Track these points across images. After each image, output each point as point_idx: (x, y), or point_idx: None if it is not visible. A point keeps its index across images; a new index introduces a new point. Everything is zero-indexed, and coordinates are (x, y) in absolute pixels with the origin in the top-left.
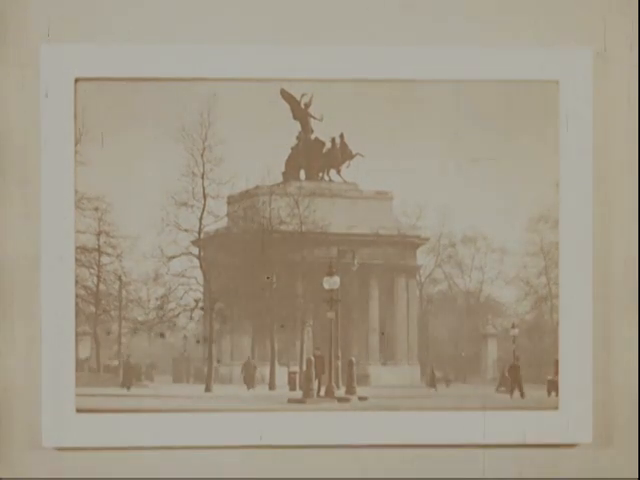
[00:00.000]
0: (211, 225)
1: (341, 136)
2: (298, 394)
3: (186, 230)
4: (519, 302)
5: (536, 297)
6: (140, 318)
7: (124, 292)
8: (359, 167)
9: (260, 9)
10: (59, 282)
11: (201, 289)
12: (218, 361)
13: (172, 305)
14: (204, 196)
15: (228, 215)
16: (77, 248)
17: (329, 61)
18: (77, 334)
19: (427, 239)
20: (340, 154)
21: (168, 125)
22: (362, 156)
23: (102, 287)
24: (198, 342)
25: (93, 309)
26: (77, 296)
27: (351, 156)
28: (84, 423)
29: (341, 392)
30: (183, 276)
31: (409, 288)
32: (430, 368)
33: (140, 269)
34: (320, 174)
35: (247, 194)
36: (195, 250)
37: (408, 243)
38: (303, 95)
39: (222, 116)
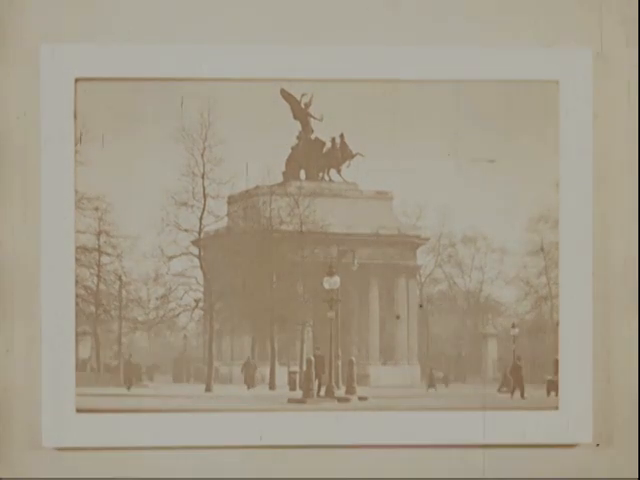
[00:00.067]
0: (211, 225)
1: (341, 136)
2: (298, 394)
3: (186, 230)
4: (519, 302)
5: (536, 297)
6: (140, 318)
7: (124, 292)
8: (359, 167)
9: (260, 9)
10: (59, 282)
11: (201, 289)
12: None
13: (172, 305)
14: (204, 196)
15: (228, 215)
16: (77, 248)
17: (329, 61)
18: (77, 334)
19: (427, 239)
20: (340, 154)
21: (168, 125)
22: (362, 156)
23: (102, 287)
24: (198, 342)
25: (93, 309)
26: (77, 296)
27: (351, 156)
28: (84, 423)
29: (341, 392)
30: (183, 276)
31: (409, 288)
32: (429, 368)
33: (140, 269)
34: (320, 174)
35: (247, 194)
36: (195, 250)
37: (408, 243)
38: (303, 95)
39: (222, 116)
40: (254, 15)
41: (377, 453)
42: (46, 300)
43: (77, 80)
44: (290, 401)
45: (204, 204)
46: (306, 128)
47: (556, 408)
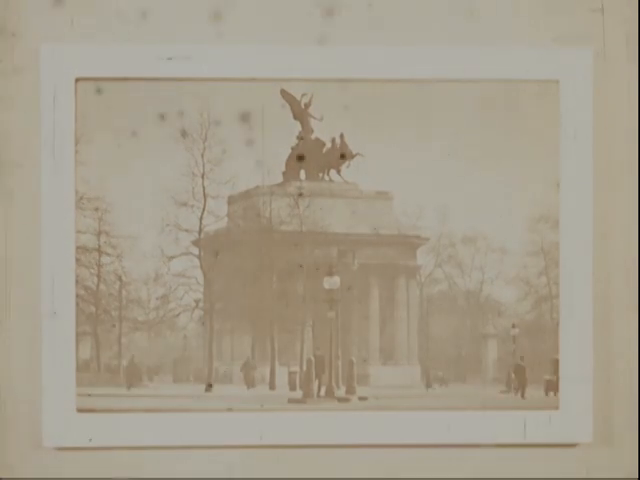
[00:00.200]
0: (211, 225)
1: (341, 136)
2: (298, 394)
3: (186, 230)
4: (519, 302)
5: (536, 297)
6: (140, 318)
7: (124, 292)
8: (359, 167)
9: (260, 9)
10: (59, 282)
11: (201, 289)
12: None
13: (172, 305)
14: (204, 196)
15: (228, 215)
16: (77, 248)
17: (329, 61)
18: (77, 334)
19: (427, 239)
20: (340, 154)
21: (168, 125)
22: (362, 156)
23: (102, 287)
24: (198, 342)
25: (93, 309)
26: (77, 296)
27: (351, 156)
28: (85, 423)
29: (341, 392)
30: (183, 276)
31: (409, 288)
32: (428, 368)
33: (140, 269)
34: (320, 174)
35: (247, 194)
36: (195, 250)
37: (408, 243)
38: (303, 95)
39: (222, 116)
40: (254, 15)
41: (377, 453)
42: (46, 300)
43: (77, 80)
44: (290, 401)
45: (204, 204)
46: (306, 128)
47: (556, 408)
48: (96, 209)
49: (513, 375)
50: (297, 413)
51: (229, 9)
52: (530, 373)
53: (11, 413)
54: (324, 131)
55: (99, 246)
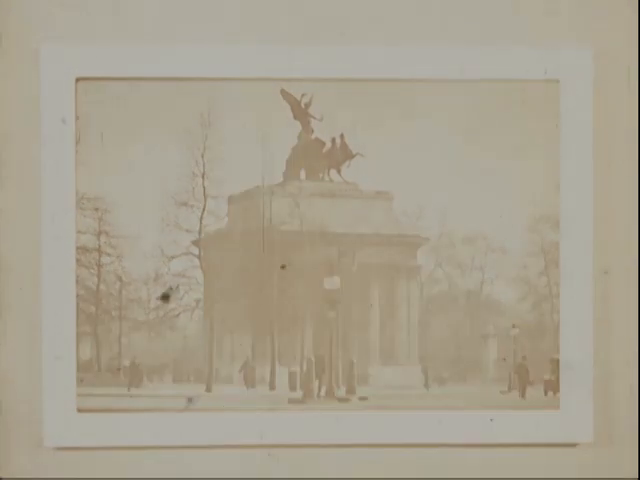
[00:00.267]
0: (211, 225)
1: (341, 136)
2: (298, 394)
3: (186, 230)
4: (519, 302)
5: (536, 297)
6: (140, 318)
7: (124, 292)
8: (359, 167)
9: (260, 9)
10: (59, 282)
11: (201, 289)
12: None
13: (172, 305)
14: (204, 196)
15: (228, 215)
16: (77, 248)
17: (329, 61)
18: (77, 334)
19: (427, 239)
20: (340, 154)
21: (168, 125)
22: (362, 156)
23: (102, 287)
24: (198, 342)
25: (93, 309)
26: (77, 296)
27: (351, 156)
28: (85, 423)
29: (341, 392)
30: (183, 276)
31: (409, 288)
32: (428, 368)
33: (140, 269)
34: (320, 174)
35: (247, 194)
36: (195, 250)
37: (408, 243)
38: (303, 95)
39: (222, 116)
40: (254, 15)
41: (377, 453)
42: (46, 300)
43: (77, 80)
44: (290, 401)
45: (204, 204)
46: (306, 128)
47: (556, 408)
48: (96, 209)
49: (515, 375)
50: (297, 413)
51: (229, 9)
52: (530, 373)
53: (11, 413)
54: (324, 131)
55: (99, 246)
